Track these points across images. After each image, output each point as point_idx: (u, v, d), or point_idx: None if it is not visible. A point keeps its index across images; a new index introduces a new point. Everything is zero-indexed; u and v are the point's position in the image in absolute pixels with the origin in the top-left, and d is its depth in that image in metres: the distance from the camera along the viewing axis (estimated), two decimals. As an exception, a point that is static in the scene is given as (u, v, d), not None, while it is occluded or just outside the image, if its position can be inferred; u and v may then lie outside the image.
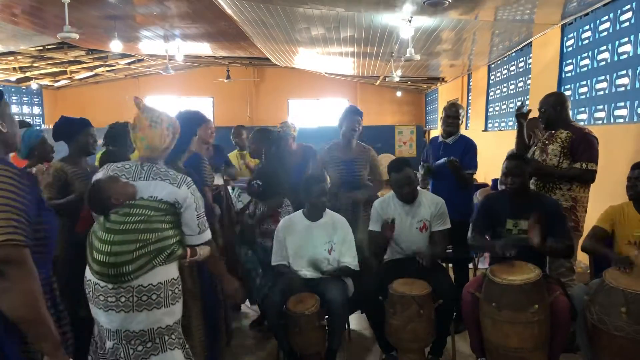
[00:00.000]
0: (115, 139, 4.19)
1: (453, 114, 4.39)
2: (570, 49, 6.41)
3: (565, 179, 3.69)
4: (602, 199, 3.80)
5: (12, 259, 1.51)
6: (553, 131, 3.83)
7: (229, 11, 6.96)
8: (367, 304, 3.56)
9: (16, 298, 1.52)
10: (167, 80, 15.33)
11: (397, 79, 11.38)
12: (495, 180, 5.65)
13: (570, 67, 6.40)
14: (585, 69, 5.97)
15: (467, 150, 4.31)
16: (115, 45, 8.66)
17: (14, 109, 14.11)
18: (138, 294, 2.33)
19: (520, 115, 4.03)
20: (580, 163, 3.65)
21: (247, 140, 5.17)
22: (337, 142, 4.33)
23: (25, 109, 14.59)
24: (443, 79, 13.91)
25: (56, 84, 15.26)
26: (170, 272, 2.44)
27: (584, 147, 3.67)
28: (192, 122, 3.41)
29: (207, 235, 2.61)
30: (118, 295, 2.31)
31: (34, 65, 12.34)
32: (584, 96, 5.96)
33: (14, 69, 12.35)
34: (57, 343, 1.61)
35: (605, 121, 5.48)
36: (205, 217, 2.61)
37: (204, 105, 17.10)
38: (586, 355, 3.11)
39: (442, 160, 4.25)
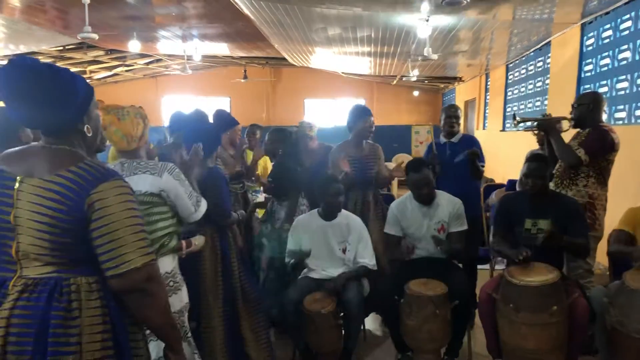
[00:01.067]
0: None
1: (453, 114, 4.51)
2: (590, 48, 6.34)
3: (560, 154, 3.68)
4: (624, 199, 3.75)
5: (153, 277, 1.57)
6: (581, 130, 3.79)
7: (246, 11, 6.98)
8: (383, 304, 3.56)
9: (157, 310, 1.62)
10: (184, 80, 15.42)
11: (414, 79, 11.36)
12: (510, 181, 5.61)
13: (590, 67, 6.33)
14: (605, 68, 5.90)
15: (475, 146, 4.39)
16: (134, 46, 8.75)
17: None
18: None
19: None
20: (577, 145, 3.64)
21: (261, 140, 5.18)
22: (348, 142, 4.35)
23: (46, 109, 14.80)
24: (460, 78, 13.82)
25: (76, 84, 15.40)
26: (163, 265, 2.45)
27: (590, 136, 3.64)
28: (226, 121, 3.77)
29: (203, 207, 2.64)
30: None
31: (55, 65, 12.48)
32: (604, 96, 5.88)
33: (35, 69, 12.51)
34: (181, 341, 1.74)
35: (626, 121, 5.41)
36: (196, 194, 2.62)
37: (221, 105, 17.18)
38: (604, 358, 3.08)
39: (461, 156, 4.30)
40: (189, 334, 2.60)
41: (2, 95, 1.54)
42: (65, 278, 1.53)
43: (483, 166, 4.43)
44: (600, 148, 3.59)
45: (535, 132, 4.02)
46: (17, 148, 1.65)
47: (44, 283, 1.52)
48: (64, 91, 1.57)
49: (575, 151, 3.61)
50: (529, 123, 4.09)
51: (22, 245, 1.51)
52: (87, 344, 1.52)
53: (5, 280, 1.54)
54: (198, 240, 2.65)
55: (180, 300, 2.56)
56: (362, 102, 17.12)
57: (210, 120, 4.19)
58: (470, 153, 4.18)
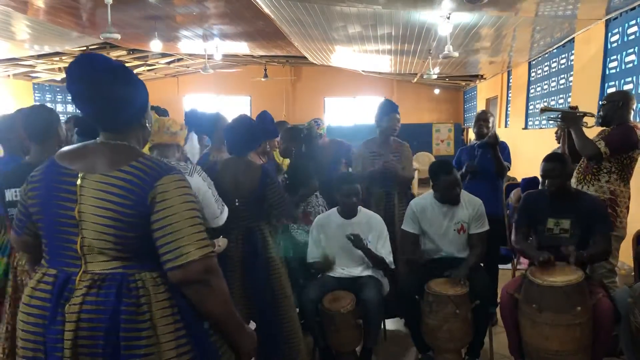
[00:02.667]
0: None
1: (482, 117, 4.64)
2: (615, 44, 6.23)
3: (579, 146, 3.60)
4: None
5: (212, 269, 1.58)
6: (606, 128, 3.70)
7: (266, 10, 7.01)
8: (403, 303, 3.54)
9: (218, 301, 1.62)
10: (205, 79, 15.52)
11: (434, 77, 11.27)
12: (524, 180, 5.55)
13: (614, 64, 6.22)
14: (630, 65, 5.79)
15: (502, 148, 4.43)
16: (156, 45, 8.82)
17: (59, 107, 14.55)
18: None
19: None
20: (598, 139, 3.57)
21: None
22: (375, 139, 4.41)
23: (69, 108, 15.01)
24: (482, 76, 13.70)
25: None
26: None
27: (613, 130, 3.58)
28: (269, 130, 3.86)
29: (225, 214, 2.70)
30: None
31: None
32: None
33: (59, 69, 12.70)
34: (245, 327, 1.74)
35: (651, 119, 5.32)
36: (220, 199, 2.69)
37: (242, 104, 17.27)
38: (630, 360, 3.03)
39: (483, 141, 4.39)
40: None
41: (73, 88, 1.59)
42: (130, 274, 1.56)
43: (509, 166, 4.44)
44: (622, 143, 3.52)
45: (558, 122, 3.95)
46: (74, 146, 1.70)
47: (111, 278, 1.55)
48: (135, 88, 1.67)
49: (596, 142, 3.53)
50: (553, 114, 4.03)
51: (87, 240, 1.55)
52: (162, 335, 1.55)
53: (70, 276, 1.56)
54: (221, 242, 2.68)
55: None
56: (382, 100, 17.06)
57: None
58: (489, 137, 4.27)
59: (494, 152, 4.27)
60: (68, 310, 1.52)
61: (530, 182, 5.41)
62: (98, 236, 1.54)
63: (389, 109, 4.33)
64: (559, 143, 4.78)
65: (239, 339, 1.71)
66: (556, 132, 4.13)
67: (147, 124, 1.75)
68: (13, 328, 2.65)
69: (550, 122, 4.17)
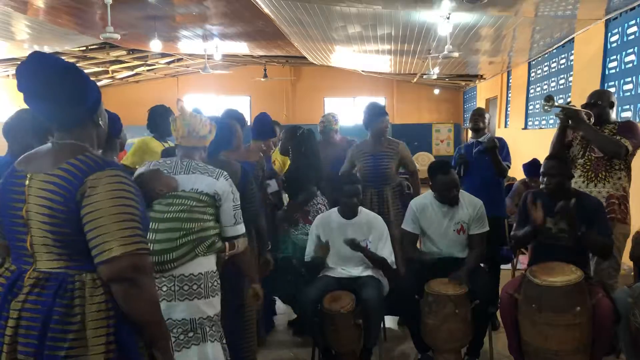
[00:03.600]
0: (156, 123, 4.34)
1: (479, 112, 4.68)
2: (615, 44, 6.23)
3: (601, 143, 3.53)
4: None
5: (141, 267, 1.57)
6: (599, 127, 3.65)
7: (266, 10, 7.01)
8: (403, 303, 3.54)
9: (145, 303, 1.61)
10: (205, 79, 15.53)
11: (434, 77, 11.28)
12: (525, 166, 5.63)
13: (614, 64, 6.22)
14: (630, 65, 5.80)
15: (501, 146, 4.38)
16: (155, 45, 8.82)
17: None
18: (179, 282, 2.42)
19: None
20: (619, 137, 3.51)
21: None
22: (367, 140, 4.48)
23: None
24: (482, 76, 13.70)
25: (98, 83, 15.58)
26: (210, 263, 2.52)
27: (628, 128, 3.55)
28: (268, 130, 3.98)
29: (242, 228, 2.67)
30: (160, 284, 2.41)
31: (78, 65, 12.66)
32: (628, 93, 5.79)
33: (59, 69, 12.71)
34: (169, 340, 1.72)
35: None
36: (240, 210, 2.67)
37: (241, 104, 17.27)
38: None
39: (480, 146, 4.34)
40: (224, 340, 2.61)
41: (24, 86, 1.63)
42: (71, 274, 1.58)
43: (509, 166, 4.41)
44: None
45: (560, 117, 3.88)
46: (32, 150, 1.75)
47: (54, 278, 1.58)
48: (85, 86, 1.69)
49: (620, 140, 3.45)
50: (557, 109, 3.93)
51: (35, 238, 1.60)
52: (93, 339, 1.55)
53: (22, 272, 1.62)
54: (241, 243, 2.67)
55: (218, 302, 2.58)
56: (382, 100, 17.08)
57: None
58: (487, 141, 4.23)
59: (493, 157, 4.22)
60: (12, 307, 1.58)
61: (532, 165, 5.46)
62: (41, 233, 1.59)
63: (377, 112, 4.39)
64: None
65: (160, 349, 1.68)
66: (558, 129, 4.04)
67: (100, 123, 1.77)
68: None
69: (543, 121, 4.15)
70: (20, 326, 1.56)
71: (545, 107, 3.60)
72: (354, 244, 3.48)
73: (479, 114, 4.63)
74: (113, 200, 1.56)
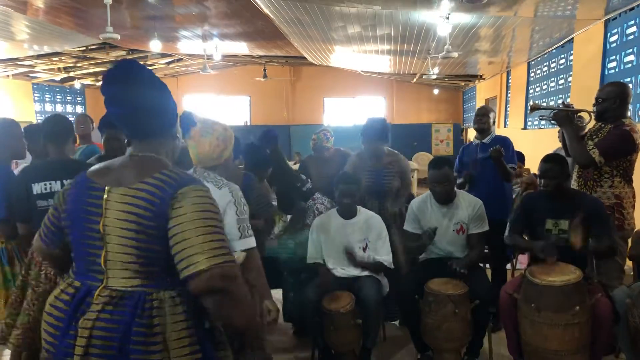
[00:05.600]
0: None
1: (482, 112, 4.43)
2: (614, 44, 6.24)
3: (573, 153, 3.49)
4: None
5: (230, 276, 1.53)
6: (602, 125, 3.58)
7: (266, 10, 7.01)
8: (403, 303, 3.55)
9: (240, 311, 1.56)
10: (205, 79, 15.52)
11: (434, 77, 11.28)
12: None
13: (613, 64, 6.23)
14: (629, 65, 5.80)
15: (506, 148, 4.25)
16: (155, 45, 8.83)
17: (59, 108, 14.54)
18: None
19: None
20: (592, 145, 3.43)
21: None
22: (366, 153, 4.27)
23: (69, 108, 15.01)
24: (481, 76, 13.70)
25: (98, 84, 15.61)
26: None
27: (608, 136, 3.45)
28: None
29: (250, 242, 2.51)
30: None
31: (77, 65, 12.67)
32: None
33: (59, 69, 12.71)
34: (265, 340, 1.70)
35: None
36: (248, 224, 2.54)
37: (241, 104, 17.28)
38: (628, 359, 3.03)
39: (485, 154, 4.21)
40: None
41: (110, 90, 1.62)
42: (148, 293, 1.55)
43: (514, 168, 4.30)
44: (618, 150, 3.41)
45: (551, 120, 3.78)
46: (106, 162, 1.72)
47: (129, 297, 1.54)
48: (168, 98, 1.71)
49: (590, 151, 3.41)
50: (545, 112, 3.87)
51: (111, 254, 1.56)
52: (177, 358, 1.53)
53: (91, 290, 1.57)
54: (239, 256, 2.58)
55: None
56: (381, 100, 17.08)
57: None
58: (492, 151, 4.05)
59: (498, 164, 4.09)
60: (81, 324, 1.51)
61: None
62: (121, 249, 1.54)
63: (370, 137, 4.11)
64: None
65: (257, 350, 1.68)
66: (559, 131, 4.00)
67: (178, 136, 1.78)
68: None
69: (543, 121, 4.09)
70: (93, 345, 1.50)
71: (545, 118, 3.63)
72: (351, 258, 3.51)
73: (482, 114, 4.42)
74: (199, 214, 1.54)
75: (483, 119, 4.39)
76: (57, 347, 1.55)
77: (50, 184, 2.94)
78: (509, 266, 4.37)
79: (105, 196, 1.57)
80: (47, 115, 13.83)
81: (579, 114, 3.73)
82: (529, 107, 3.80)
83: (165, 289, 1.57)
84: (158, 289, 1.56)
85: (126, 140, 1.81)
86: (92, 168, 1.70)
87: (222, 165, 2.64)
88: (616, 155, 3.41)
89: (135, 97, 1.60)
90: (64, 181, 2.88)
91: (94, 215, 1.58)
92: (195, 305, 1.60)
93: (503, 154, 4.04)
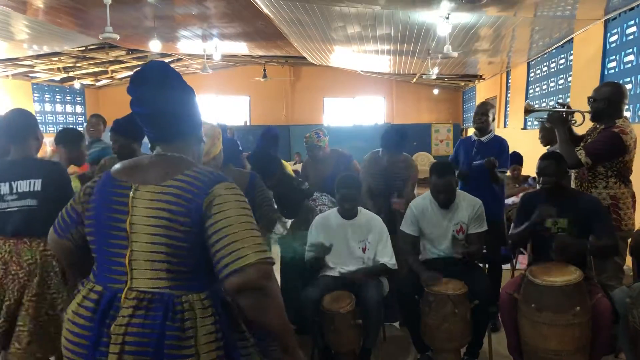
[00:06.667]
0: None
1: (481, 111, 4.44)
2: (614, 44, 6.24)
3: (563, 154, 3.46)
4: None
5: (271, 275, 1.52)
6: (597, 125, 3.57)
7: (265, 10, 7.01)
8: (403, 303, 3.55)
9: (276, 313, 1.54)
10: (204, 79, 15.51)
11: (433, 77, 11.28)
12: None
13: (613, 64, 6.23)
14: (629, 65, 5.80)
15: (502, 150, 4.31)
16: (155, 45, 8.83)
17: (58, 108, 14.54)
18: None
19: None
20: (580, 148, 3.45)
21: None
22: (380, 155, 4.37)
23: (69, 108, 15.01)
24: (481, 76, 13.71)
25: (98, 84, 15.64)
26: None
27: (597, 138, 3.45)
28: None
29: None
30: None
31: (77, 65, 12.68)
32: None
33: (58, 69, 12.72)
34: (296, 345, 1.64)
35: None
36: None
37: (241, 104, 17.27)
38: (628, 359, 3.03)
39: (480, 162, 4.23)
40: None
41: (139, 91, 1.61)
42: (177, 295, 1.52)
43: (504, 172, 4.34)
44: (605, 152, 3.39)
45: (545, 121, 3.82)
46: (131, 159, 1.71)
47: (159, 299, 1.51)
48: (195, 101, 1.71)
49: (577, 152, 3.42)
50: (543, 114, 3.88)
51: (136, 254, 1.53)
52: None
53: (116, 293, 1.53)
54: None
55: None
56: (381, 100, 17.08)
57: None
58: (486, 162, 4.09)
59: (491, 173, 4.14)
60: (114, 331, 1.47)
61: (512, 156, 5.46)
62: (150, 248, 1.51)
63: (389, 147, 4.29)
64: (544, 145, 4.79)
65: (290, 353, 1.61)
66: (540, 132, 4.11)
67: (203, 139, 1.79)
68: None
69: (536, 123, 4.11)
70: (126, 352, 1.46)
71: (526, 114, 3.64)
72: (350, 275, 3.52)
73: (482, 112, 4.42)
74: (239, 210, 1.53)
75: (482, 118, 4.40)
76: (88, 357, 1.51)
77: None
78: (508, 266, 4.36)
79: (131, 194, 1.55)
80: (47, 115, 13.93)
81: (571, 115, 3.72)
82: (524, 110, 3.80)
83: (194, 292, 1.54)
84: (187, 292, 1.54)
85: (150, 145, 1.79)
86: (116, 166, 1.68)
87: (212, 162, 2.67)
88: (602, 157, 3.41)
89: (162, 98, 1.60)
90: (18, 182, 2.69)
91: (120, 214, 1.55)
92: (223, 310, 1.59)
93: (496, 165, 4.09)
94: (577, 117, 3.74)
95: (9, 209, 2.67)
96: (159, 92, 1.59)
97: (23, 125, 2.87)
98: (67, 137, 3.68)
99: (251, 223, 1.53)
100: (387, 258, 3.62)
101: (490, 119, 4.43)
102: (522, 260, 5.00)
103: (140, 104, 1.61)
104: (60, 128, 4.37)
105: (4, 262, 2.66)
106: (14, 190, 2.68)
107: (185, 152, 1.67)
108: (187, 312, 1.51)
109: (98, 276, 1.60)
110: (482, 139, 4.38)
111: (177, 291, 1.52)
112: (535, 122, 9.64)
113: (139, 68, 1.64)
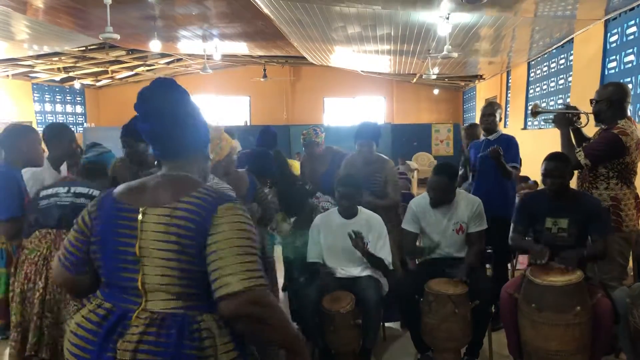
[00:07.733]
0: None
1: (488, 112, 4.45)
2: (614, 44, 6.24)
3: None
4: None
5: (261, 302, 1.46)
6: (602, 126, 3.54)
7: (266, 11, 7.01)
8: (403, 303, 3.54)
9: (274, 334, 1.51)
10: (205, 80, 15.53)
11: (433, 77, 11.28)
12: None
13: (613, 64, 6.23)
14: (629, 65, 5.80)
15: (509, 147, 4.28)
16: (155, 45, 8.83)
17: (58, 108, 14.54)
18: None
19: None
20: (580, 149, 3.45)
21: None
22: (357, 156, 4.34)
23: (69, 108, 15.01)
24: (481, 76, 13.71)
25: (98, 84, 15.65)
26: None
27: (596, 139, 3.47)
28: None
29: None
30: None
31: (77, 65, 12.68)
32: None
33: (59, 69, 12.72)
34: (305, 348, 1.62)
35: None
36: None
37: (241, 104, 17.28)
38: (629, 359, 3.03)
39: (485, 152, 4.21)
40: None
41: (145, 107, 1.59)
42: (191, 315, 1.49)
43: (516, 167, 4.31)
44: (604, 154, 3.39)
45: (550, 122, 3.80)
46: (135, 181, 1.67)
47: (172, 318, 1.47)
48: (201, 118, 1.68)
49: (577, 153, 3.42)
50: (548, 115, 3.92)
51: (149, 277, 1.49)
52: None
53: (127, 312, 1.50)
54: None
55: None
56: (381, 100, 17.09)
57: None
58: (491, 150, 4.04)
59: (498, 163, 4.07)
60: (121, 346, 1.44)
61: None
62: (161, 271, 1.48)
63: (362, 135, 4.21)
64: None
65: (300, 355, 1.58)
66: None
67: (210, 156, 1.78)
68: (23, 336, 2.65)
69: (543, 123, 4.11)
70: None
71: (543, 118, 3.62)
72: (357, 239, 3.46)
73: (488, 113, 4.43)
74: (236, 233, 1.48)
75: (489, 119, 4.42)
76: None
77: None
78: (509, 266, 4.36)
79: (140, 217, 1.51)
80: (47, 115, 13.93)
81: (576, 117, 3.72)
82: (530, 112, 3.80)
83: (207, 312, 1.51)
84: (201, 312, 1.50)
85: (156, 162, 1.78)
86: (119, 189, 1.63)
87: (222, 163, 2.66)
88: (601, 158, 3.40)
89: (168, 115, 1.58)
90: (77, 187, 2.83)
91: (127, 238, 1.52)
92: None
93: (501, 154, 4.02)
94: (582, 118, 3.73)
95: (59, 202, 2.77)
96: (165, 109, 1.58)
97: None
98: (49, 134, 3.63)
99: (244, 247, 1.48)
100: (385, 256, 3.62)
101: (497, 119, 4.45)
102: (522, 260, 5.00)
103: (146, 120, 1.60)
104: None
105: (43, 257, 2.69)
106: (71, 192, 2.80)
107: (191, 170, 1.66)
108: (205, 331, 1.49)
109: (108, 294, 1.57)
110: (490, 137, 4.40)
111: (192, 311, 1.50)
112: (535, 123, 9.64)
113: (145, 87, 1.61)
